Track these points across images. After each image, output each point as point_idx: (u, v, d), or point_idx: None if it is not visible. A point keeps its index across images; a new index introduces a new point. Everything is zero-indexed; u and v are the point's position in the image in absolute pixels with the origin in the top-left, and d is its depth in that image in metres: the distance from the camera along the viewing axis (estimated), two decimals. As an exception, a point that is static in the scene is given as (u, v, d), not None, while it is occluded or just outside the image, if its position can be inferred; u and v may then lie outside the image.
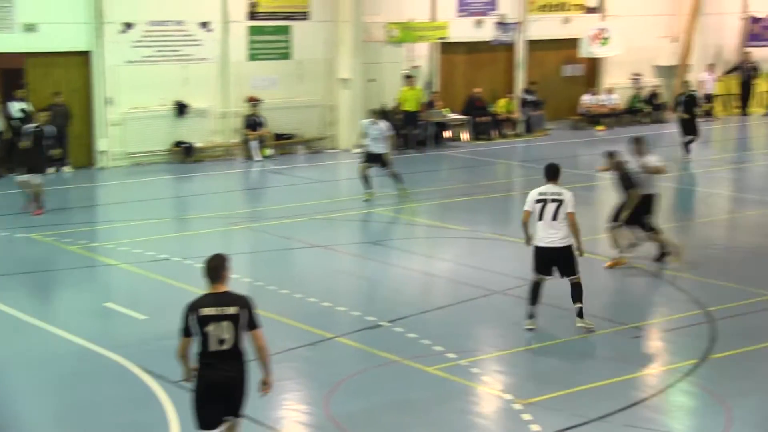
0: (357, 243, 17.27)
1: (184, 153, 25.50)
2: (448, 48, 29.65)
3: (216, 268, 7.89)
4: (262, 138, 26.10)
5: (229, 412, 7.96)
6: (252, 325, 7.88)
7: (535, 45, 31.17)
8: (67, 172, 24.27)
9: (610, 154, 15.19)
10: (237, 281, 14.36)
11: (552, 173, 12.33)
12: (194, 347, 7.88)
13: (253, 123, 26.18)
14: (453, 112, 29.35)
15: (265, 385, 8.10)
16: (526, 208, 12.22)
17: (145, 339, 11.95)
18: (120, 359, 11.20)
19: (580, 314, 12.17)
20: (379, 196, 20.22)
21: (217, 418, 7.91)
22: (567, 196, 12.16)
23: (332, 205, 19.58)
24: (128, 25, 25.08)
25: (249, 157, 25.89)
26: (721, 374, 10.85)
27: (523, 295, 13.70)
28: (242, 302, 7.89)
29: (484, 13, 30.13)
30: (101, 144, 25.05)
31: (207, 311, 7.75)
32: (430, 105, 28.34)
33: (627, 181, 14.93)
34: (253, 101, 26.47)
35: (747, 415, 9.78)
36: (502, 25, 29.98)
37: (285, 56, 27.48)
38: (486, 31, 30.04)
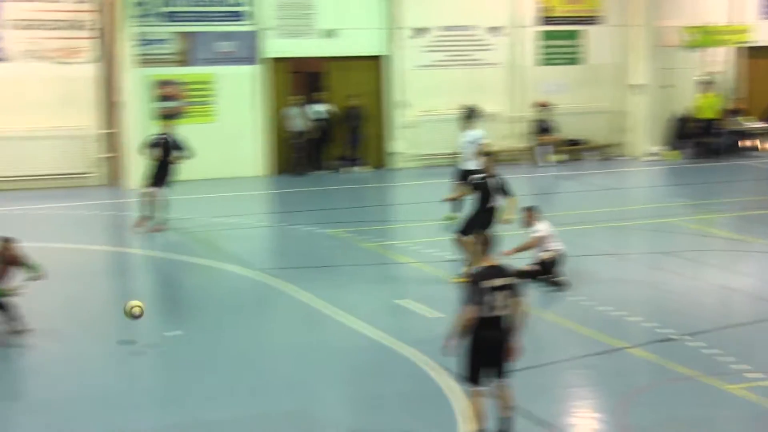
0: (650, 252, 16.76)
1: (473, 156, 25.76)
2: (753, 52, 28.24)
3: (490, 242, 8.78)
4: (551, 143, 25.92)
5: (498, 374, 8.72)
6: (519, 292, 8.69)
7: None
8: (361, 171, 25.14)
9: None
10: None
11: None
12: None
13: (542, 128, 26.06)
14: (755, 120, 27.94)
15: (515, 350, 8.75)
16: None
17: (438, 336, 12.07)
18: (413, 355, 11.38)
19: None
20: (675, 206, 19.56)
21: (486, 375, 8.67)
22: None
23: (623, 213, 19.10)
24: (420, 31, 25.64)
25: (537, 162, 25.79)
26: None
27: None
28: (513, 273, 8.83)
29: (792, 16, 28.57)
30: (393, 146, 25.75)
31: (494, 282, 8.52)
32: (734, 112, 27.08)
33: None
34: (543, 106, 26.35)
35: None
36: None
37: (574, 61, 27.21)
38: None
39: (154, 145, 18.08)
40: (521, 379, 9.64)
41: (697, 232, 18.16)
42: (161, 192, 18.02)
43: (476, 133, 17.77)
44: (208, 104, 24.26)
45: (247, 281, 14.79)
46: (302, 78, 25.63)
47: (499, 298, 8.50)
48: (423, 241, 17.05)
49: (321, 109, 25.09)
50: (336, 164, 25.56)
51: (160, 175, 18.00)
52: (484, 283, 8.49)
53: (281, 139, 24.94)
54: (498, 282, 8.51)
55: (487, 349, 8.59)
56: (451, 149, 25.68)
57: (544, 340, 11.88)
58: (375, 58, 25.70)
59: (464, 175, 15.92)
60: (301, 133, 24.76)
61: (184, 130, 22.99)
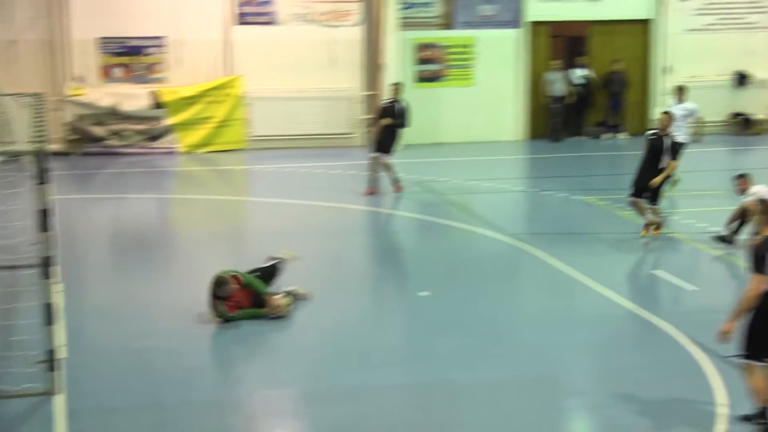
0: None
1: (742, 125, 24.61)
2: None
3: None
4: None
5: None
6: None
7: None
8: (621, 138, 24.59)
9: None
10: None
11: None
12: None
13: (819, 96, 24.56)
14: None
15: None
16: None
17: (693, 310, 11.72)
18: (666, 327, 11.06)
19: None
20: None
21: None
22: None
23: None
24: (694, -7, 24.73)
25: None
26: None
27: None
28: None
29: None
30: (656, 112, 24.96)
31: None
32: None
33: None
34: (823, 73, 24.81)
35: None
36: None
37: None
38: None
39: (383, 111, 18.21)
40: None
41: None
42: (387, 156, 18.20)
43: (690, 105, 17.69)
44: (467, 68, 24.37)
45: (499, 245, 14.83)
46: (563, 42, 25.23)
47: None
48: (682, 212, 16.49)
49: (582, 74, 24.66)
50: (595, 130, 25.09)
51: (387, 141, 18.17)
52: None
53: (540, 104, 24.73)
54: None
55: None
56: (716, 117, 24.80)
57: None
58: (640, 22, 24.94)
59: (674, 147, 14.87)
60: (560, 98, 24.45)
61: (444, 93, 23.32)
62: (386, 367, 10.04)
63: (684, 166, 21.05)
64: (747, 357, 8.30)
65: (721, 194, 18.17)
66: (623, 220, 16.13)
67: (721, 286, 12.83)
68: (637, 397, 9.26)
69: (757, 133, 24.52)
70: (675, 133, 16.13)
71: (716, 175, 20.25)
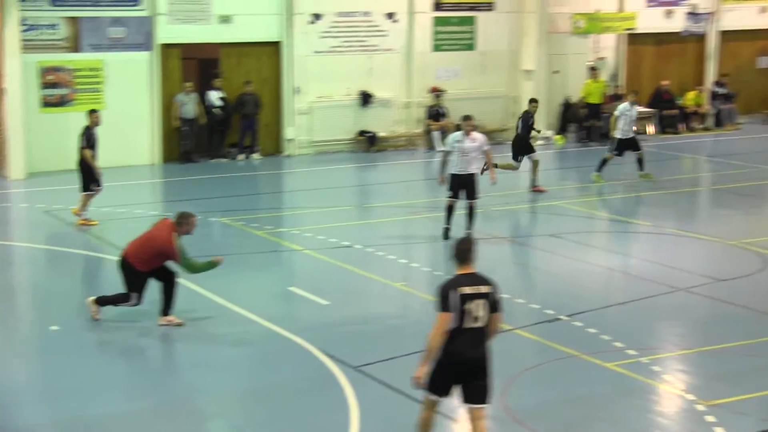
0: (536, 235, 17.12)
1: (368, 142, 25.89)
2: (636, 39, 29.05)
3: (467, 250, 8.24)
4: (444, 129, 26.16)
5: (476, 399, 8.24)
6: (496, 307, 8.25)
7: (728, 36, 30.19)
8: (256, 159, 25.03)
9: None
10: (417, 270, 14.55)
11: None
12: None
13: (435, 113, 26.30)
14: (639, 104, 28.61)
15: None
16: None
17: (327, 324, 12.19)
18: (303, 342, 11.44)
19: None
20: (563, 189, 19.96)
21: (450, 388, 8.25)
22: None
23: (509, 198, 19.41)
24: (317, 16, 25.58)
25: (431, 147, 26.04)
26: None
27: (708, 293, 13.35)
28: (491, 283, 8.26)
29: (675, 3, 29.35)
30: (288, 132, 25.70)
31: (466, 290, 8.09)
32: (615, 98, 27.70)
33: None
34: (436, 92, 26.58)
35: None
36: (693, 15, 29.13)
37: (469, 47, 27.47)
38: (676, 22, 29.27)
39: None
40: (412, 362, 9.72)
41: (583, 214, 18.59)
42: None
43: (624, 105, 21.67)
44: (97, 92, 23.80)
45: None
46: (196, 65, 25.33)
47: (477, 307, 8.11)
48: (314, 228, 17.08)
49: (215, 96, 24.86)
50: (231, 152, 25.36)
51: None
52: (461, 290, 8.08)
53: (174, 127, 24.63)
54: (470, 290, 8.12)
55: (457, 364, 8.21)
56: (344, 135, 25.89)
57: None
58: (271, 44, 25.55)
59: (624, 144, 21.43)
60: (191, 121, 24.46)
61: (72, 118, 22.61)
62: (21, 408, 9.63)
63: (316, 183, 21.94)
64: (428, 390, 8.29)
65: (349, 210, 19.06)
66: (258, 239, 16.46)
67: (350, 298, 13.44)
68: (277, 415, 9.51)
69: (381, 150, 25.89)
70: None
71: (344, 192, 21.19)
